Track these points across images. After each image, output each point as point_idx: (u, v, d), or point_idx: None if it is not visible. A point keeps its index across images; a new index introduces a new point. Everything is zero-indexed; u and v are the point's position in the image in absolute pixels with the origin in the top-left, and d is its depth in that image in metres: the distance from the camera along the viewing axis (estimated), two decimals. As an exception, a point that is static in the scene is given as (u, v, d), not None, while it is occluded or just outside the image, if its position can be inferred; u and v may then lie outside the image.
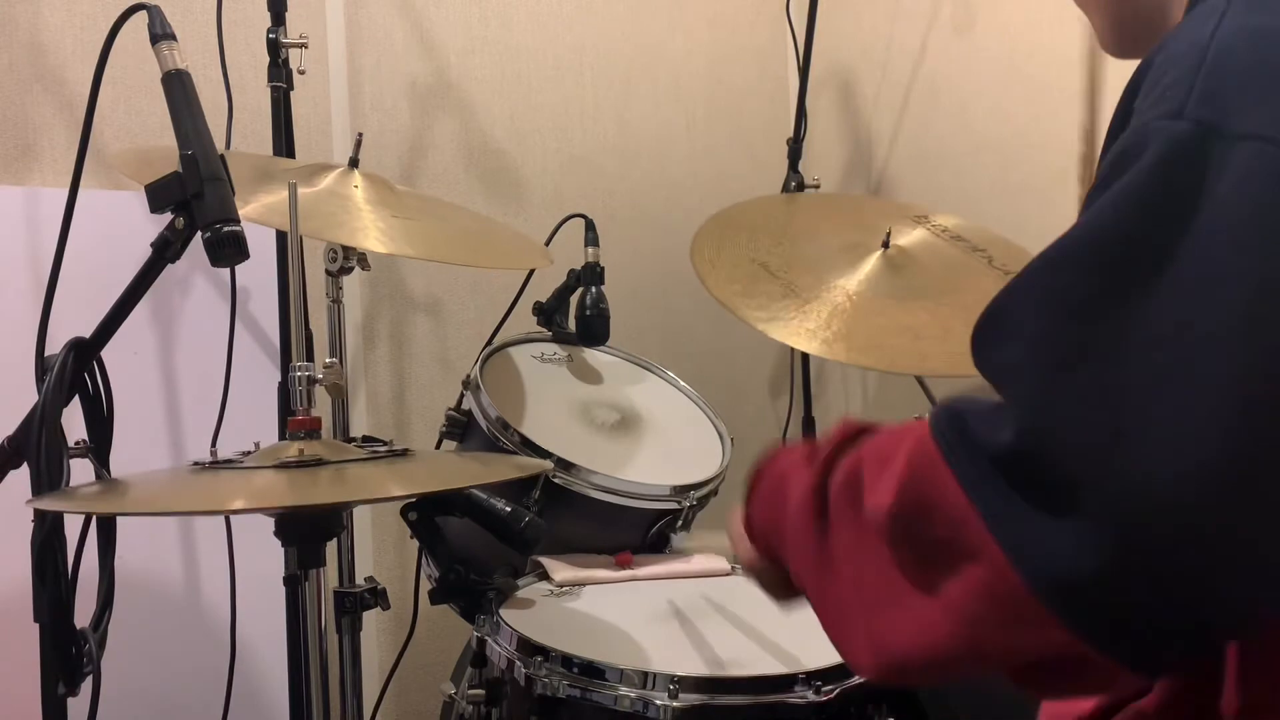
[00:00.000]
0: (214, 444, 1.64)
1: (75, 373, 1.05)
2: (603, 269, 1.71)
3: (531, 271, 1.85)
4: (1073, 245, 0.66)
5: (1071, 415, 0.61)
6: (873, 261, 1.81)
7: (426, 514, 1.38)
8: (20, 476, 1.04)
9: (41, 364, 1.06)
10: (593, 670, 1.16)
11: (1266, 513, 0.59)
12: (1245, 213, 0.62)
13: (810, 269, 1.79)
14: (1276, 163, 0.62)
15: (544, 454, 1.46)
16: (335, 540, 1.38)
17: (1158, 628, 0.59)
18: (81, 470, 1.08)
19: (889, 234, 1.82)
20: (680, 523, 1.56)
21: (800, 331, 1.66)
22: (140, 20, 1.06)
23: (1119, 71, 0.96)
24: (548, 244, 1.80)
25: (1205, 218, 0.62)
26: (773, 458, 0.90)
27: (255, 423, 1.60)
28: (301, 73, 1.66)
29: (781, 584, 0.87)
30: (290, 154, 1.67)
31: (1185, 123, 0.64)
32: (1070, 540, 0.59)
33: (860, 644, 0.74)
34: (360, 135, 1.58)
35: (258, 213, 1.31)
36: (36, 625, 1.02)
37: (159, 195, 1.01)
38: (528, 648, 1.21)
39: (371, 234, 1.42)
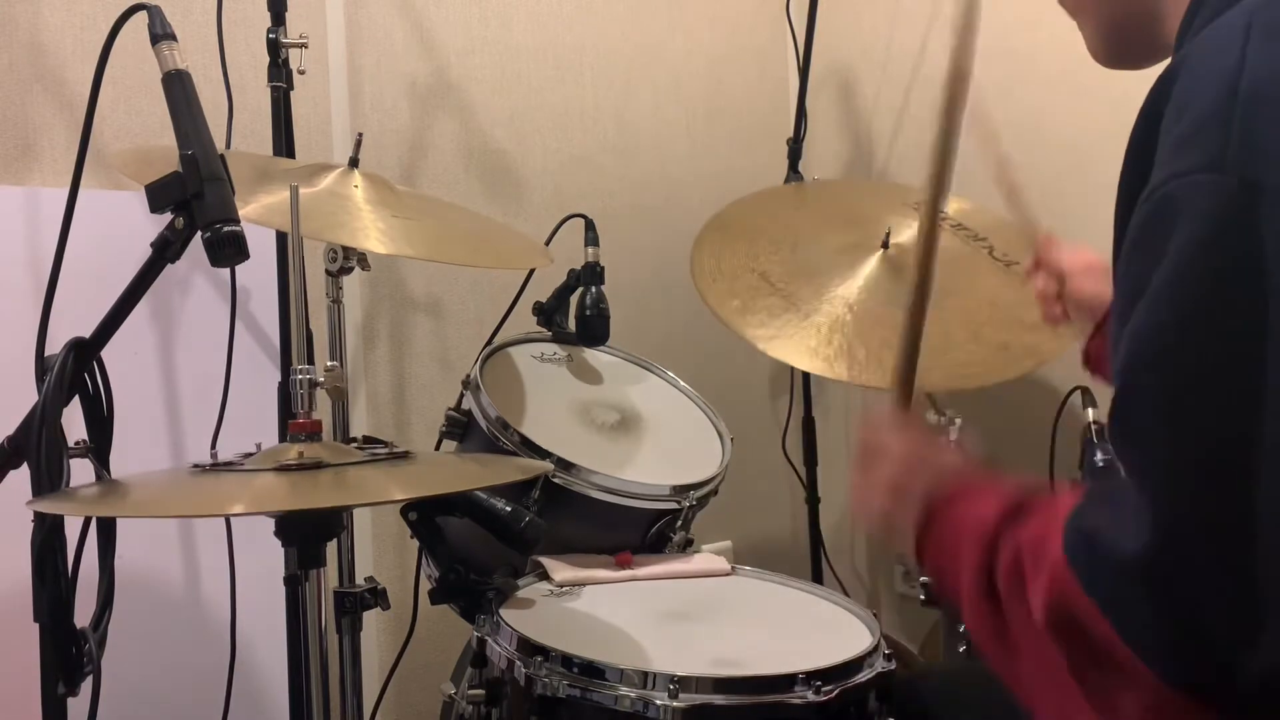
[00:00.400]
0: (214, 444, 1.64)
1: (75, 373, 1.05)
2: (603, 269, 1.71)
3: (531, 271, 1.85)
4: (1156, 334, 0.67)
5: (1203, 524, 0.64)
6: (873, 264, 1.81)
7: (426, 514, 1.38)
8: (20, 476, 1.04)
9: (41, 364, 1.06)
10: (593, 670, 1.16)
11: None
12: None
13: (810, 277, 1.79)
14: None
15: (544, 454, 1.46)
16: (335, 540, 1.38)
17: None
18: (81, 470, 1.08)
19: (888, 233, 1.82)
20: (680, 523, 1.56)
21: (803, 350, 1.66)
22: (140, 20, 1.06)
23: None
24: (548, 244, 1.80)
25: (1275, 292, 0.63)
26: (946, 501, 0.89)
27: (255, 423, 1.60)
28: (301, 73, 1.66)
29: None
30: (290, 154, 1.67)
31: (1229, 179, 0.64)
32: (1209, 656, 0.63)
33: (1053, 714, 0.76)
34: (360, 135, 1.58)
35: (258, 213, 1.31)
36: (36, 625, 1.02)
37: (159, 195, 1.01)
38: (528, 648, 1.21)
39: (371, 234, 1.42)
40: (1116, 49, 0.93)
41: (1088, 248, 1.29)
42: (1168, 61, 0.77)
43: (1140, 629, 0.66)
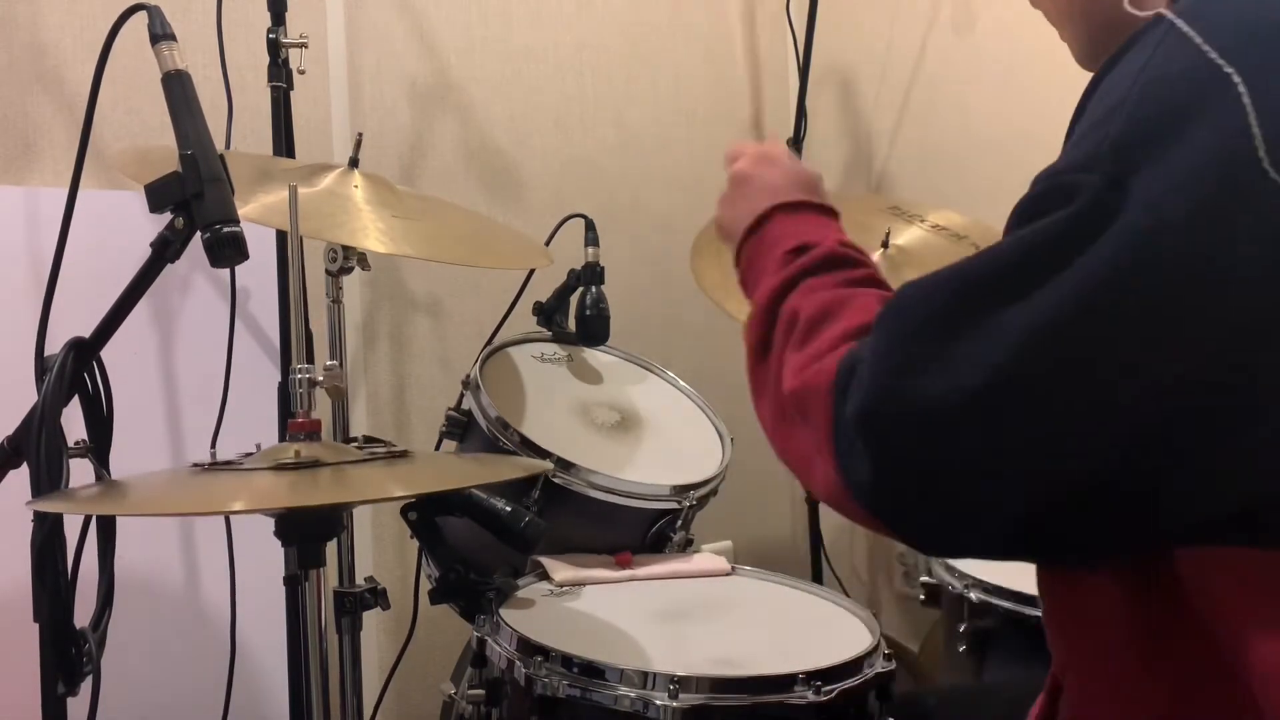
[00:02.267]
0: (214, 444, 1.64)
1: (75, 373, 1.05)
2: (603, 269, 1.71)
3: (531, 271, 1.85)
4: (958, 274, 0.73)
5: (898, 396, 0.72)
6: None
7: (426, 514, 1.38)
8: (20, 476, 1.04)
9: (41, 364, 1.06)
10: (593, 670, 1.16)
11: (1015, 434, 0.68)
12: (1099, 279, 0.66)
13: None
14: (1144, 239, 0.65)
15: (544, 454, 1.46)
16: (335, 540, 1.38)
17: (930, 519, 0.73)
18: (81, 470, 1.08)
19: (888, 234, 1.82)
20: (680, 523, 1.56)
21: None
22: (140, 20, 1.06)
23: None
24: (548, 244, 1.80)
25: (1074, 271, 0.67)
26: (781, 212, 0.98)
27: (255, 423, 1.60)
28: (301, 73, 1.66)
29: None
30: (290, 154, 1.67)
31: (1095, 176, 0.67)
32: (866, 463, 0.73)
33: (764, 419, 0.92)
34: (360, 135, 1.58)
35: (258, 213, 1.31)
36: (36, 625, 1.02)
37: (159, 195, 1.01)
38: (528, 648, 1.21)
39: (371, 234, 1.42)
40: (1099, 52, 0.93)
41: None
42: None
43: (848, 459, 0.75)
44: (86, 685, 1.06)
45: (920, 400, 0.70)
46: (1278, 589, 0.68)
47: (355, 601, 1.44)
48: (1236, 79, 0.65)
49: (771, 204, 0.98)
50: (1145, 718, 0.75)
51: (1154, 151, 0.66)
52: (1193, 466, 0.66)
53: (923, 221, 1.90)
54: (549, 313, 1.76)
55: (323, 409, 1.17)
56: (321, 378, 1.14)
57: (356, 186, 1.51)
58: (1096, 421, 0.67)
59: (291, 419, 1.11)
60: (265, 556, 1.49)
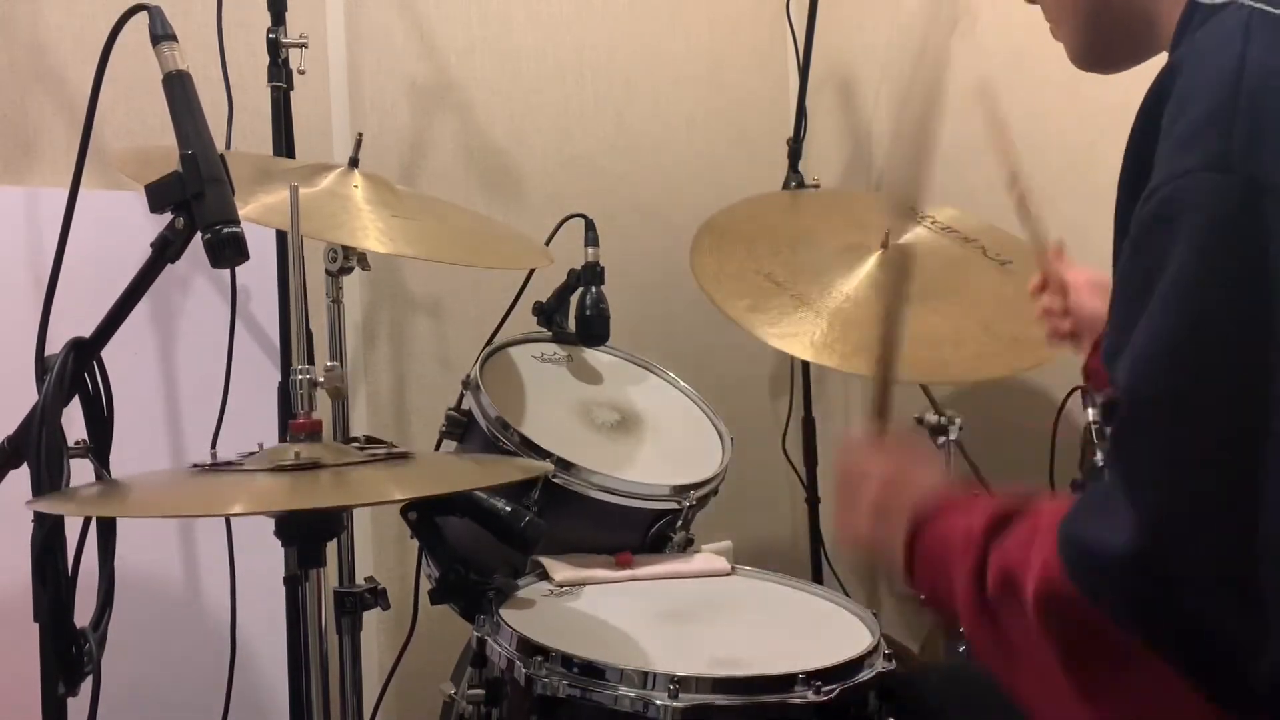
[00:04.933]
0: (214, 444, 1.64)
1: (75, 373, 1.05)
2: (603, 269, 1.71)
3: (531, 271, 1.85)
4: (1164, 339, 0.66)
5: (1198, 523, 0.65)
6: (873, 264, 1.81)
7: (426, 514, 1.38)
8: (20, 476, 1.04)
9: (41, 364, 1.06)
10: (593, 670, 1.16)
11: None
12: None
13: (814, 277, 1.79)
14: None
15: (544, 454, 1.46)
16: (335, 540, 1.38)
17: None
18: (81, 470, 1.08)
19: (888, 234, 1.82)
20: (680, 523, 1.56)
21: (819, 345, 1.66)
22: (141, 20, 1.06)
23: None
24: (548, 244, 1.80)
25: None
26: (927, 525, 0.90)
27: (255, 423, 1.60)
28: (301, 73, 1.66)
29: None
30: (290, 154, 1.67)
31: (1234, 177, 0.64)
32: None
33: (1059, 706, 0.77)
34: (360, 135, 1.58)
35: (258, 213, 1.31)
36: (36, 625, 1.02)
37: (159, 195, 1.01)
38: (528, 648, 1.21)
39: (371, 234, 1.42)
40: (1099, 52, 0.92)
41: (1092, 268, 1.29)
42: (1159, 62, 0.77)
43: (1134, 617, 0.66)
44: (86, 685, 1.06)
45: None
46: None
47: (355, 601, 1.44)
48: None
49: (910, 530, 0.91)
50: None
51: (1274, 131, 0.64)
52: None
53: (927, 220, 1.90)
54: (549, 313, 1.76)
55: (323, 409, 1.17)
56: (322, 378, 1.14)
57: (356, 186, 1.51)
58: None
59: (292, 419, 1.11)
60: (265, 556, 1.49)
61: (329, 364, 1.19)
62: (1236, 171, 0.64)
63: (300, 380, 1.13)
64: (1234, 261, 0.64)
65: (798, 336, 1.68)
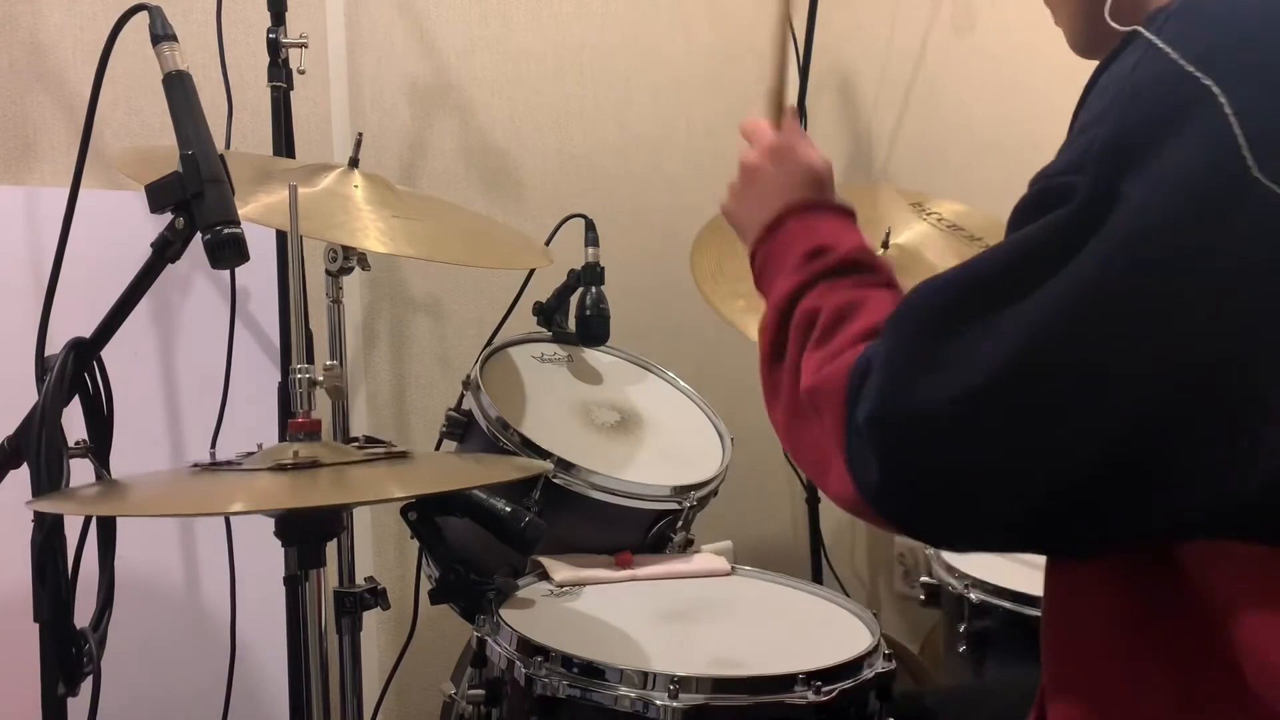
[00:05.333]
0: (214, 444, 1.64)
1: (75, 373, 1.05)
2: (603, 269, 1.71)
3: (531, 271, 1.85)
4: (962, 275, 0.75)
5: (904, 401, 0.74)
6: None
7: (426, 514, 1.38)
8: (20, 476, 1.04)
9: (41, 364, 1.06)
10: (593, 670, 1.16)
11: (1015, 434, 0.70)
12: (1090, 281, 0.67)
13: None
14: (1133, 241, 0.66)
15: (544, 454, 1.46)
16: (335, 540, 1.38)
17: (937, 519, 0.76)
18: (81, 470, 1.08)
19: (888, 233, 1.82)
20: (680, 523, 1.56)
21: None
22: (141, 20, 1.06)
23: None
24: (548, 244, 1.80)
25: (1068, 271, 0.68)
26: (796, 214, 0.99)
27: (255, 423, 1.60)
28: (301, 73, 1.66)
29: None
30: (290, 154, 1.67)
31: (1086, 178, 0.69)
32: (874, 466, 0.74)
33: (779, 421, 0.90)
34: (360, 135, 1.58)
35: (258, 212, 1.31)
36: (36, 625, 1.02)
37: (159, 195, 1.01)
38: (528, 648, 1.21)
39: (371, 234, 1.42)
40: (1099, 39, 0.92)
41: None
42: None
43: (859, 464, 0.76)
44: (86, 685, 1.06)
45: (924, 405, 0.72)
46: (1275, 581, 0.68)
47: (355, 601, 1.44)
48: (1215, 89, 0.66)
49: (785, 205, 0.99)
50: (1140, 715, 0.75)
51: (1142, 156, 0.67)
52: (1188, 462, 0.67)
53: (928, 214, 1.90)
54: (549, 313, 1.76)
55: (323, 409, 1.17)
56: (321, 378, 1.14)
57: (356, 186, 1.51)
58: (1093, 419, 0.68)
59: (291, 419, 1.11)
60: (265, 556, 1.48)
61: (328, 363, 1.19)
62: (1088, 172, 0.69)
63: (299, 379, 1.13)
64: (1056, 250, 0.69)
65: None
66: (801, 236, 0.96)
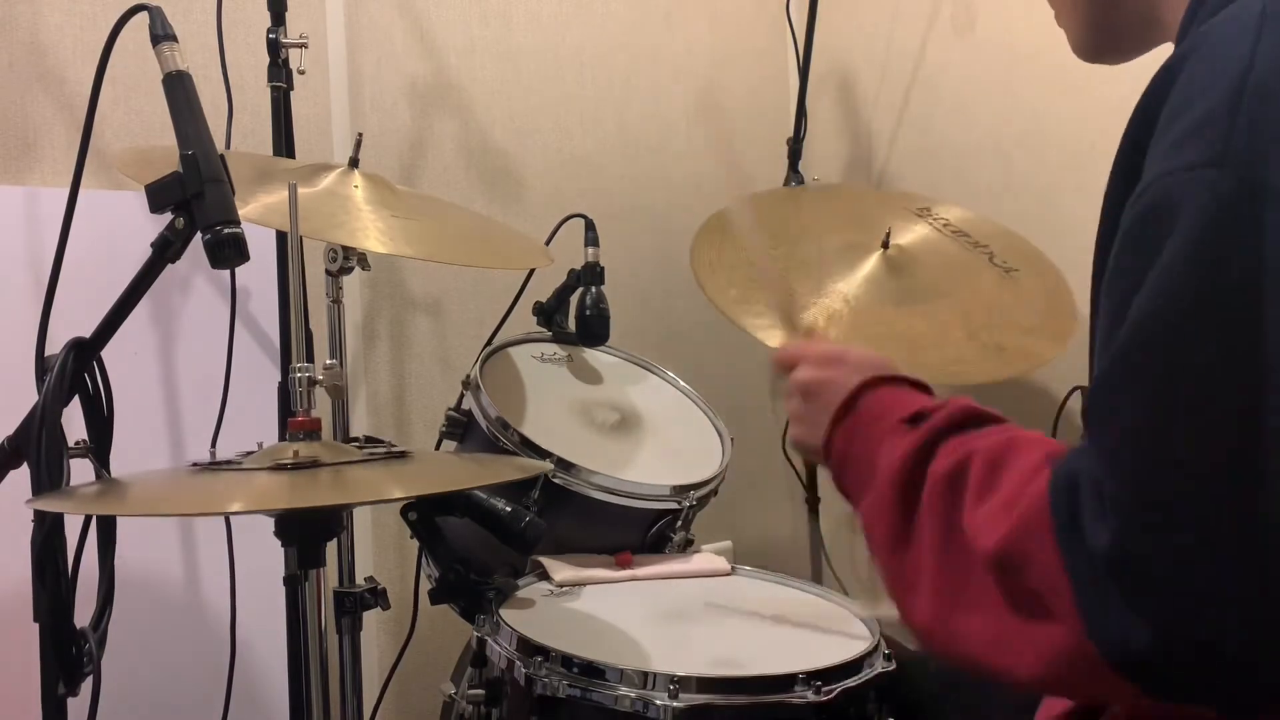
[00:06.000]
0: (214, 444, 1.64)
1: (75, 373, 1.05)
2: (603, 269, 1.71)
3: (531, 271, 1.85)
4: (1146, 330, 0.64)
5: (1163, 524, 0.62)
6: (872, 263, 1.81)
7: (426, 514, 1.38)
8: (20, 476, 1.04)
9: (41, 364, 1.06)
10: (593, 670, 1.16)
11: None
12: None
13: (810, 273, 1.80)
14: None
15: (544, 454, 1.46)
16: (335, 540, 1.38)
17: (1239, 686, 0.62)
18: (81, 470, 1.08)
19: (889, 234, 1.82)
20: (680, 523, 1.56)
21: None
22: (141, 20, 1.06)
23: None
24: (548, 244, 1.80)
25: (1271, 293, 0.61)
26: (868, 391, 0.86)
27: (255, 423, 1.60)
28: (301, 73, 1.66)
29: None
30: (290, 154, 1.67)
31: (1227, 177, 0.62)
32: (1145, 635, 0.61)
33: (923, 614, 0.74)
34: (360, 135, 1.58)
35: (257, 213, 1.31)
36: (36, 625, 1.02)
37: (159, 195, 1.01)
38: (528, 648, 1.21)
39: (371, 234, 1.42)
40: (1104, 41, 0.89)
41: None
42: (1163, 52, 0.75)
43: (1104, 616, 0.63)
44: (86, 685, 1.06)
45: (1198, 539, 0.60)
46: None
47: (355, 601, 1.44)
48: None
49: (860, 382, 0.86)
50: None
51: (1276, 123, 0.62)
52: None
53: (934, 218, 1.90)
54: (549, 313, 1.76)
55: (323, 409, 1.17)
56: (321, 376, 1.14)
57: (356, 186, 1.51)
58: None
59: (291, 417, 1.11)
60: (265, 556, 1.48)
61: (328, 362, 1.19)
62: (1232, 167, 0.62)
63: (299, 378, 1.13)
64: (1226, 255, 0.62)
65: (778, 330, 1.68)
66: (892, 405, 0.83)
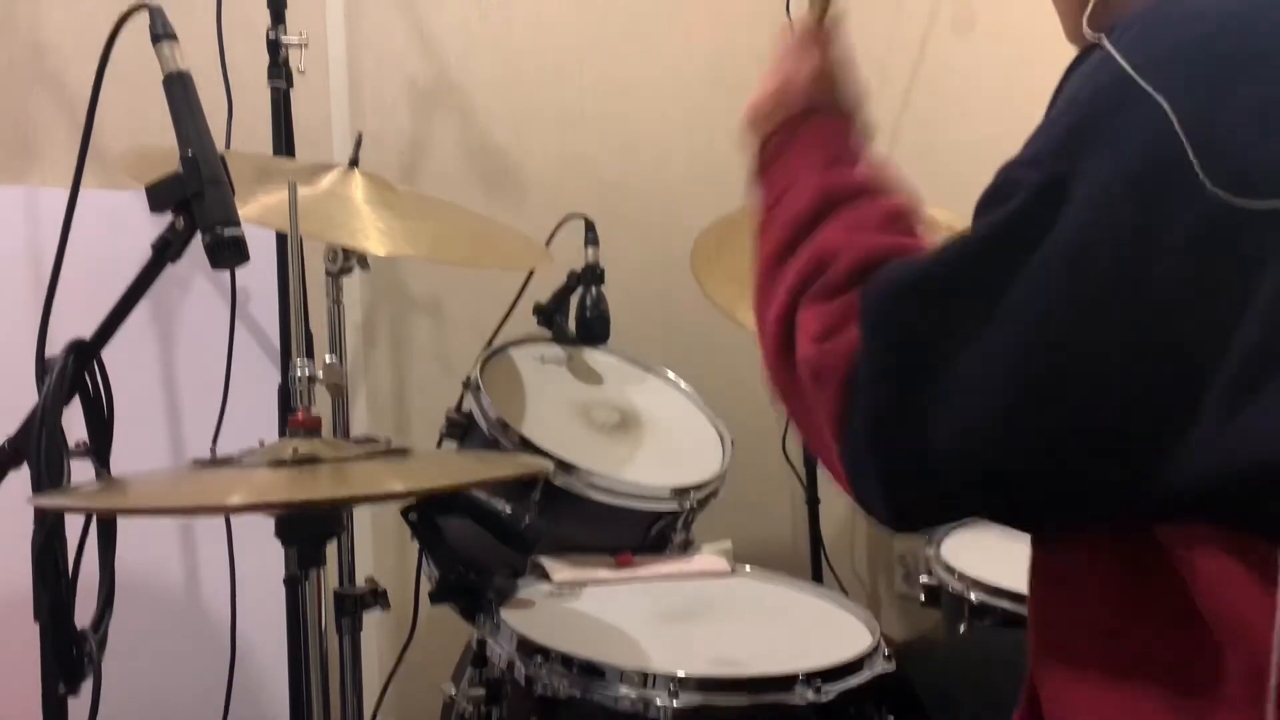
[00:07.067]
0: (214, 444, 1.64)
1: (75, 373, 1.05)
2: (603, 269, 1.71)
3: (531, 272, 1.85)
4: (925, 273, 0.76)
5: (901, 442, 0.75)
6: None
7: (427, 514, 1.38)
8: (20, 477, 1.04)
9: (42, 364, 1.06)
10: (593, 670, 1.16)
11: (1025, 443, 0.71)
12: (1066, 253, 0.69)
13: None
14: (1105, 209, 0.68)
15: (544, 455, 1.46)
16: (335, 540, 1.38)
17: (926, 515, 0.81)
18: (82, 471, 1.08)
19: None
20: (680, 524, 1.56)
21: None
22: (141, 20, 1.06)
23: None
24: (548, 244, 1.80)
25: (1035, 262, 0.70)
26: (820, 115, 1.01)
27: (255, 423, 1.60)
28: (301, 73, 1.66)
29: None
30: (290, 154, 1.67)
31: (1039, 172, 0.72)
32: (875, 486, 0.77)
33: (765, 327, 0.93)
34: (360, 135, 1.58)
35: (258, 213, 1.31)
36: (36, 625, 1.02)
37: (159, 195, 1.01)
38: (528, 648, 1.21)
39: (371, 234, 1.42)
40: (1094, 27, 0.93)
41: None
42: None
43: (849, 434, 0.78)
44: (87, 685, 1.06)
45: (926, 441, 0.73)
46: (1245, 567, 0.68)
47: (355, 602, 1.44)
48: (1159, 97, 0.68)
49: (809, 105, 1.00)
50: (1126, 685, 0.76)
51: (1092, 151, 0.70)
52: (1158, 447, 0.68)
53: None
54: (549, 313, 1.76)
55: (323, 409, 1.17)
56: (321, 373, 1.14)
57: (357, 187, 1.51)
58: (1079, 406, 0.70)
59: (291, 415, 1.11)
60: (265, 557, 1.49)
61: (328, 359, 1.18)
62: (1044, 168, 0.72)
63: (300, 375, 1.12)
64: (1008, 249, 0.71)
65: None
66: (828, 137, 0.99)
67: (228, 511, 1.50)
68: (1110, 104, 0.70)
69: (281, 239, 1.63)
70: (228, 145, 1.71)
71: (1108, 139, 0.70)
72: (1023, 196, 0.72)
